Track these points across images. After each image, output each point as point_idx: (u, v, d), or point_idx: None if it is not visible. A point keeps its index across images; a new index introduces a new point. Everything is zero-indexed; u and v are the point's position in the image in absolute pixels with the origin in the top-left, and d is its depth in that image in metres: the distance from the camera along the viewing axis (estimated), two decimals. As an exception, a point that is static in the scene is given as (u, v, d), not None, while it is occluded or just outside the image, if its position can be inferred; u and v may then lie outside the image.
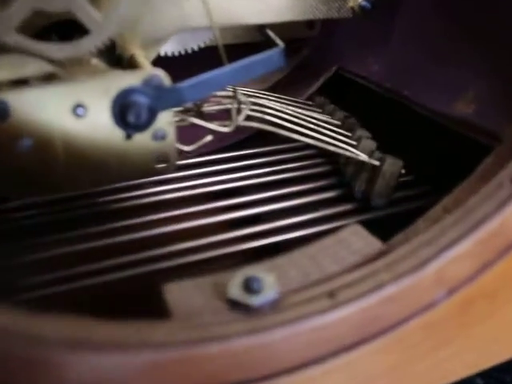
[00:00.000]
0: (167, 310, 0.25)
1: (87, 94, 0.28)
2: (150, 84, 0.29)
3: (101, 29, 0.29)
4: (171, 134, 0.31)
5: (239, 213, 0.38)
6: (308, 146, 0.43)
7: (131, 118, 0.29)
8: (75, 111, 0.28)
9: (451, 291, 0.27)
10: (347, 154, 0.38)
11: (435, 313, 0.27)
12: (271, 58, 0.31)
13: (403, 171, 0.39)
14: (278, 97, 0.42)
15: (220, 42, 0.32)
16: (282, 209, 0.38)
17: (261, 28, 0.37)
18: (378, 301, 0.25)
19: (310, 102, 0.46)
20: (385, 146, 0.40)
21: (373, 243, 0.28)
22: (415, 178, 0.41)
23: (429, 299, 0.26)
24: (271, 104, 0.39)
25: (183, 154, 0.38)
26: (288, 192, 0.40)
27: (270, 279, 0.25)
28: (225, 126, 0.36)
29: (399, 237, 0.30)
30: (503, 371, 0.39)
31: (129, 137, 0.30)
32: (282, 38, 0.37)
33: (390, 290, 0.25)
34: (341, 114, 0.44)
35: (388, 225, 0.38)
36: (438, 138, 0.38)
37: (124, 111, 0.29)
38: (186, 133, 0.36)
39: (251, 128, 0.38)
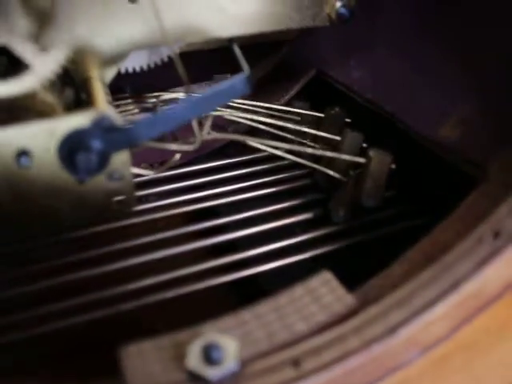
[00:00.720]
0: (123, 379, 0.24)
1: (31, 138, 0.26)
2: (100, 125, 0.26)
3: (44, 63, 0.26)
4: (128, 173, 0.28)
5: (213, 239, 0.36)
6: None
7: (81, 163, 0.26)
8: (19, 160, 0.26)
9: (425, 350, 0.25)
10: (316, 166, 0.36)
11: (408, 371, 0.25)
12: (234, 86, 0.28)
13: (393, 166, 0.37)
14: (252, 105, 0.40)
15: (180, 67, 0.29)
16: (259, 233, 0.36)
17: (230, 42, 0.34)
18: (345, 371, 0.23)
19: (286, 108, 0.44)
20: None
21: (343, 298, 0.26)
22: (397, 194, 0.39)
23: (401, 360, 0.25)
24: (239, 113, 0.37)
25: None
26: (265, 212, 0.38)
27: (231, 347, 0.24)
28: (189, 143, 0.34)
29: (373, 284, 0.28)
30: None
31: (81, 182, 0.27)
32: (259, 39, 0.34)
33: (359, 359, 0.23)
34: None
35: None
36: (420, 159, 0.35)
37: (72, 156, 0.26)
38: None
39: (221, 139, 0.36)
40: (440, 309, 0.24)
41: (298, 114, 0.42)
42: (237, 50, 0.32)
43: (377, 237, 0.36)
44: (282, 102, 0.44)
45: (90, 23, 0.30)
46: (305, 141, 0.40)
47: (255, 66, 0.48)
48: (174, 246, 0.34)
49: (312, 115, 0.42)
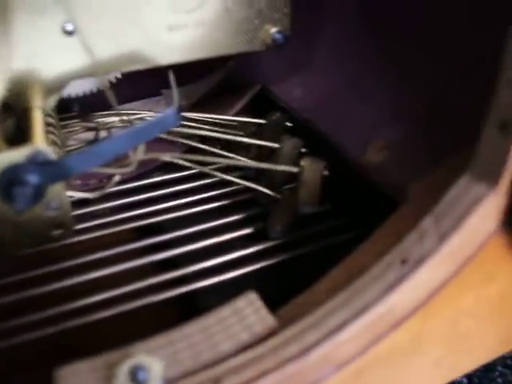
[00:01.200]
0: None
1: (-31, 173, 0.27)
2: (35, 160, 0.28)
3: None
4: (64, 202, 0.30)
5: (155, 256, 0.37)
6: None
7: (18, 196, 0.28)
8: (-44, 195, 0.27)
9: (339, 366, 0.27)
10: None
11: (325, 386, 0.28)
12: (166, 119, 0.29)
13: (326, 172, 0.38)
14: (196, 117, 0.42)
15: (110, 94, 0.31)
16: (200, 249, 0.38)
17: (167, 70, 0.35)
18: (261, 389, 0.26)
19: (230, 118, 0.45)
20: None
21: (265, 318, 0.28)
22: (333, 207, 0.41)
23: (315, 378, 0.27)
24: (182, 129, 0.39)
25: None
26: (207, 227, 0.39)
27: (156, 368, 0.26)
28: (125, 164, 0.35)
29: (297, 302, 0.30)
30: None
31: (19, 212, 0.29)
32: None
33: (273, 378, 0.26)
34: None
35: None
36: (349, 178, 0.37)
37: (9, 189, 0.28)
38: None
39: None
40: (351, 329, 0.26)
41: (241, 125, 0.44)
42: (172, 80, 0.33)
43: (314, 250, 0.38)
44: (227, 116, 0.46)
45: (28, 56, 0.32)
46: (244, 154, 0.42)
47: (200, 80, 0.50)
48: (117, 263, 0.36)
49: (254, 126, 0.44)
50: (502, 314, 0.33)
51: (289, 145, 0.39)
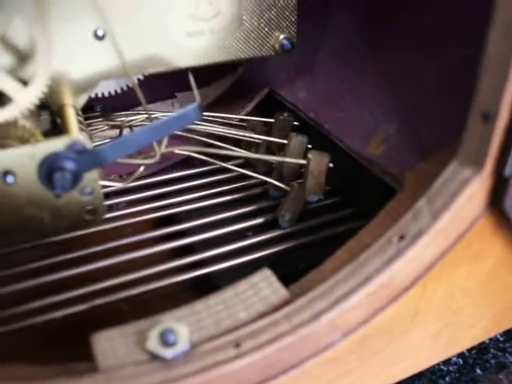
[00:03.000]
0: (95, 361, 0.29)
1: (15, 161, 0.31)
2: (72, 149, 0.31)
3: (24, 96, 0.31)
4: (97, 189, 0.33)
5: (175, 243, 0.41)
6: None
7: (57, 181, 0.31)
8: (5, 179, 0.31)
9: (346, 333, 0.30)
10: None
11: (332, 352, 0.31)
12: (188, 114, 0.33)
13: (331, 165, 0.42)
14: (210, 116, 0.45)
15: (139, 93, 0.34)
16: (215, 237, 0.41)
17: (186, 71, 0.39)
18: (277, 349, 0.29)
19: (242, 117, 0.49)
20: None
21: (278, 291, 0.31)
22: (341, 199, 0.44)
23: (325, 342, 0.30)
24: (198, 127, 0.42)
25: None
26: (222, 218, 0.43)
27: (183, 332, 0.29)
28: (150, 156, 0.39)
29: (307, 278, 0.33)
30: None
31: (58, 196, 0.32)
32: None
33: (288, 340, 0.29)
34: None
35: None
36: (353, 170, 0.41)
37: (50, 175, 0.31)
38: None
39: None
40: (355, 298, 0.30)
41: (251, 125, 0.48)
42: (191, 80, 0.37)
43: (319, 238, 0.42)
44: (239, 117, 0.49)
45: (63, 58, 0.35)
46: (254, 152, 0.46)
47: (213, 84, 0.54)
48: (140, 249, 0.39)
49: (264, 125, 0.48)
50: (492, 293, 0.36)
51: (296, 141, 0.42)
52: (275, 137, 0.44)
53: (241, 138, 0.45)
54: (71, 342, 0.34)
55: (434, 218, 0.30)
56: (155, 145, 0.37)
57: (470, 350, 0.42)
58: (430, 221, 0.30)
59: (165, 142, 0.38)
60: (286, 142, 0.43)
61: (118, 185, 0.38)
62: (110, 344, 0.29)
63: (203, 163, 0.47)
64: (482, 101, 0.28)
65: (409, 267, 0.30)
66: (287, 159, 0.41)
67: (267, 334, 0.29)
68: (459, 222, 0.30)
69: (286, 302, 0.30)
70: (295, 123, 0.47)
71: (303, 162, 0.41)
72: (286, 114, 0.47)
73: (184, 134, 0.43)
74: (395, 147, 0.36)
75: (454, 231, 0.30)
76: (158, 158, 0.38)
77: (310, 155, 0.41)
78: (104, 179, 0.44)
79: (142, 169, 0.39)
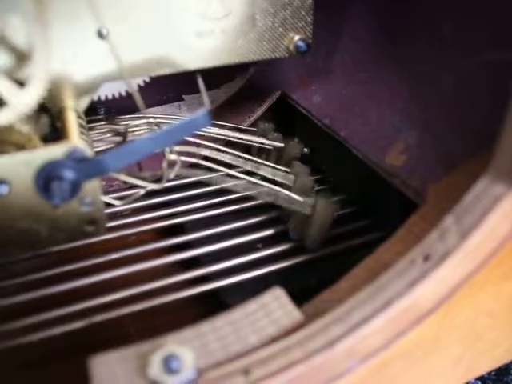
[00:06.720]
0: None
1: (9, 169, 0.29)
2: (72, 157, 0.29)
3: (20, 99, 0.29)
4: (98, 199, 0.31)
5: (180, 255, 0.38)
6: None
7: (55, 191, 0.29)
8: (-2, 189, 0.28)
9: (364, 359, 0.28)
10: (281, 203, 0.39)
11: (350, 378, 0.28)
12: (197, 121, 0.31)
13: (338, 212, 0.39)
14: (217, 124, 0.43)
15: (138, 98, 0.32)
16: (223, 248, 0.39)
17: (195, 74, 0.36)
18: (289, 379, 0.26)
19: (251, 129, 0.46)
20: (323, 180, 0.40)
21: (291, 313, 0.29)
22: (356, 210, 0.42)
23: (341, 370, 0.28)
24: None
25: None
26: (229, 229, 0.41)
27: (188, 357, 0.27)
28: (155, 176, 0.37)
29: (322, 298, 0.31)
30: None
31: (55, 207, 0.30)
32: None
33: (301, 368, 0.26)
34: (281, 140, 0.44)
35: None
36: (370, 181, 0.39)
37: (47, 184, 0.29)
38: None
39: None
40: (375, 323, 0.27)
41: (263, 130, 0.45)
42: (200, 83, 0.34)
43: (333, 251, 0.39)
44: (248, 122, 0.47)
45: (64, 58, 0.33)
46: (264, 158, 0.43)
47: (222, 86, 0.51)
48: (143, 261, 0.37)
49: (275, 131, 0.46)
50: (518, 315, 0.34)
51: (300, 180, 0.40)
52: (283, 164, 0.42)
53: (250, 143, 0.42)
54: (69, 361, 0.32)
55: (462, 238, 0.27)
56: (164, 168, 0.35)
57: (489, 372, 0.40)
58: (458, 241, 0.27)
59: (176, 168, 0.35)
60: (287, 170, 0.41)
61: (117, 203, 0.36)
62: (108, 369, 0.27)
63: (210, 169, 0.45)
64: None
65: (434, 290, 0.28)
66: (292, 206, 0.38)
67: (279, 361, 0.27)
68: (489, 242, 0.28)
69: (300, 326, 0.28)
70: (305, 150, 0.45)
71: (307, 211, 0.37)
72: (296, 140, 0.44)
73: (191, 139, 0.41)
74: (417, 157, 0.34)
75: (483, 251, 0.28)
76: (164, 182, 0.36)
77: (316, 203, 0.38)
78: (105, 186, 0.42)
79: (141, 192, 0.36)
